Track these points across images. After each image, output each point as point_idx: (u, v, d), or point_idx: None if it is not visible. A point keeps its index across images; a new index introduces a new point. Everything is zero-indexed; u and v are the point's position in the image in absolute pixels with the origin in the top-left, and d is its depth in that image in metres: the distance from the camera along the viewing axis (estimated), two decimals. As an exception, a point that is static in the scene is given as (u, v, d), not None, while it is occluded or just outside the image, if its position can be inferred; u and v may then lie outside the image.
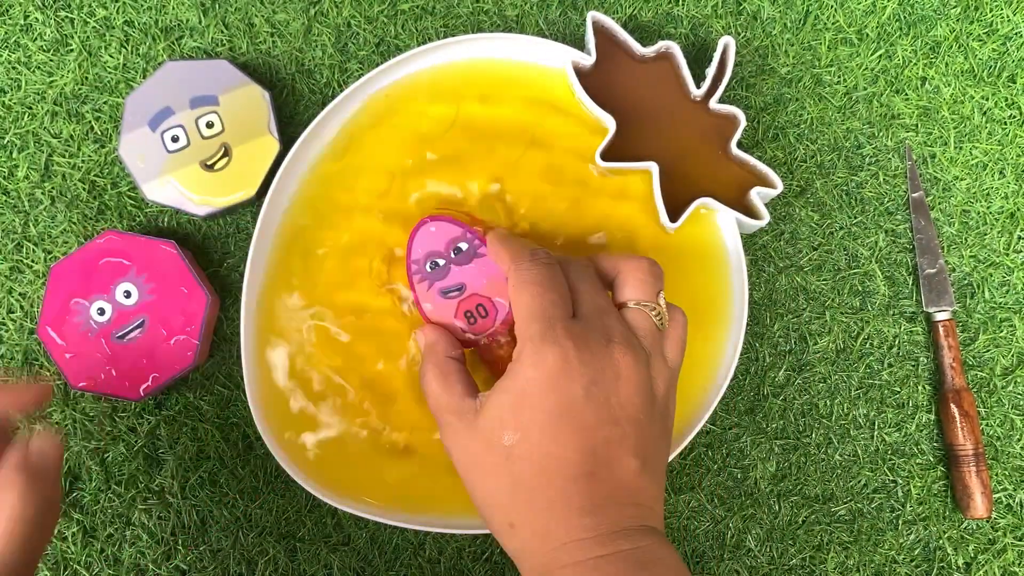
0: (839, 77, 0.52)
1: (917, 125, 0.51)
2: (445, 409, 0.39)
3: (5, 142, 0.50)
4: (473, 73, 0.49)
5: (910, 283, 0.51)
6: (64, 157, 0.50)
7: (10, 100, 0.50)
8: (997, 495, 0.49)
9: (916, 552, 0.49)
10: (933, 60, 0.52)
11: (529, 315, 0.37)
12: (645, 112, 0.48)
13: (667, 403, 0.38)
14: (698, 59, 0.51)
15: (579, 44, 0.50)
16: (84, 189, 0.50)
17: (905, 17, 0.52)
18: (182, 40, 0.51)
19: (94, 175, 0.50)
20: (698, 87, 0.48)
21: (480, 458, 0.37)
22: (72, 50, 0.51)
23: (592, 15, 0.47)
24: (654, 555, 0.34)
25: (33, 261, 0.50)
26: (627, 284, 0.39)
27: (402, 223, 0.47)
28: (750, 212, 0.47)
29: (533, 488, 0.35)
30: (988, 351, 0.50)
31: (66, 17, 0.51)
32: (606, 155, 0.47)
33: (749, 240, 0.50)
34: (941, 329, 0.49)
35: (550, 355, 0.35)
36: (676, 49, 0.48)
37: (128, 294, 0.47)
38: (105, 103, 0.50)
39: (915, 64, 0.52)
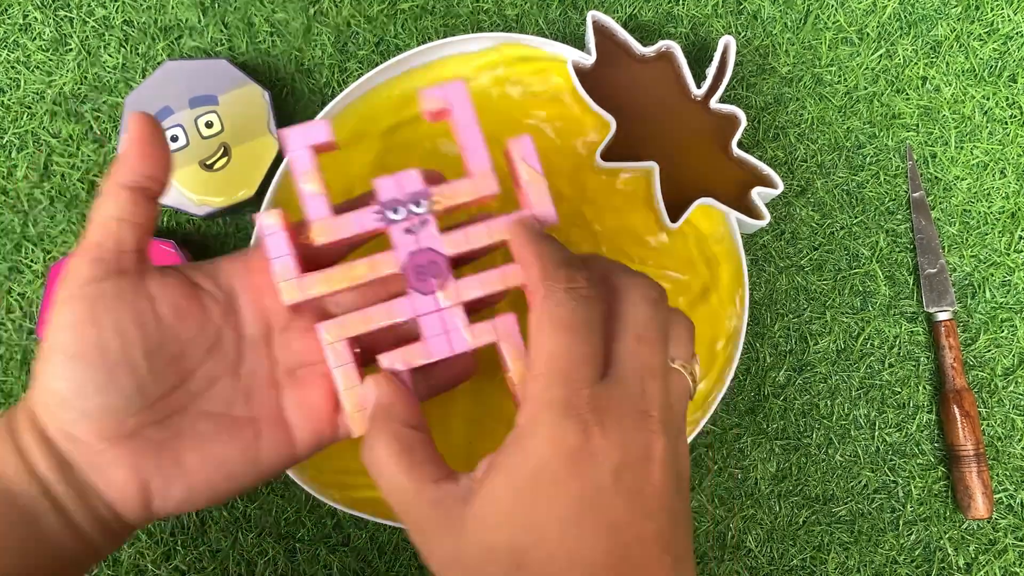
0: (840, 77, 0.51)
1: (918, 125, 0.51)
2: (415, 501, 0.29)
3: (4, 142, 0.50)
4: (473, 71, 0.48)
5: (911, 283, 0.50)
6: (63, 157, 0.50)
7: (9, 100, 0.50)
8: (998, 495, 0.49)
9: (917, 553, 0.49)
10: (934, 60, 0.52)
11: (550, 371, 0.28)
12: (645, 112, 0.48)
13: (688, 479, 0.31)
14: (698, 59, 0.51)
15: (579, 44, 0.50)
16: (83, 189, 0.50)
17: (906, 16, 0.52)
18: (181, 40, 0.51)
19: (93, 175, 0.50)
20: (698, 87, 0.48)
21: (478, 569, 0.28)
22: (71, 50, 0.51)
23: (592, 15, 0.47)
24: None
25: (32, 261, 0.49)
26: (671, 338, 0.31)
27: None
28: (750, 212, 0.47)
29: None
30: (989, 351, 0.50)
31: (65, 17, 0.51)
32: (606, 155, 0.47)
33: (749, 240, 0.50)
34: (942, 329, 0.49)
35: (571, 431, 0.27)
36: (676, 49, 0.48)
37: (127, 294, 0.47)
38: (104, 103, 0.50)
39: (916, 64, 0.52)
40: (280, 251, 0.34)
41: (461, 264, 0.37)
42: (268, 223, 0.34)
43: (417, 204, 0.34)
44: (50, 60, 0.51)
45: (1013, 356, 0.50)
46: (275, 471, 0.34)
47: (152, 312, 0.32)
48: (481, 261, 0.37)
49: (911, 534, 0.49)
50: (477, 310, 0.36)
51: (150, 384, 0.32)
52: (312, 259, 0.35)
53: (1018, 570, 0.49)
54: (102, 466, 0.31)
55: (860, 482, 0.49)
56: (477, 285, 0.34)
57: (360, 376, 0.34)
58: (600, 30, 0.48)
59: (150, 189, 0.33)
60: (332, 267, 0.34)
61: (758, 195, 0.47)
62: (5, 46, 0.51)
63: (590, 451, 0.28)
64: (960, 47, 0.52)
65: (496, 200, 0.35)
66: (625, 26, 0.51)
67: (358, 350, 0.35)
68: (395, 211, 0.34)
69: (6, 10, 0.51)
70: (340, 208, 0.35)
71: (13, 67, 0.51)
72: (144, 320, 0.32)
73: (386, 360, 0.34)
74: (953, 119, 0.51)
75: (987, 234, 0.51)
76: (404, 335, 0.36)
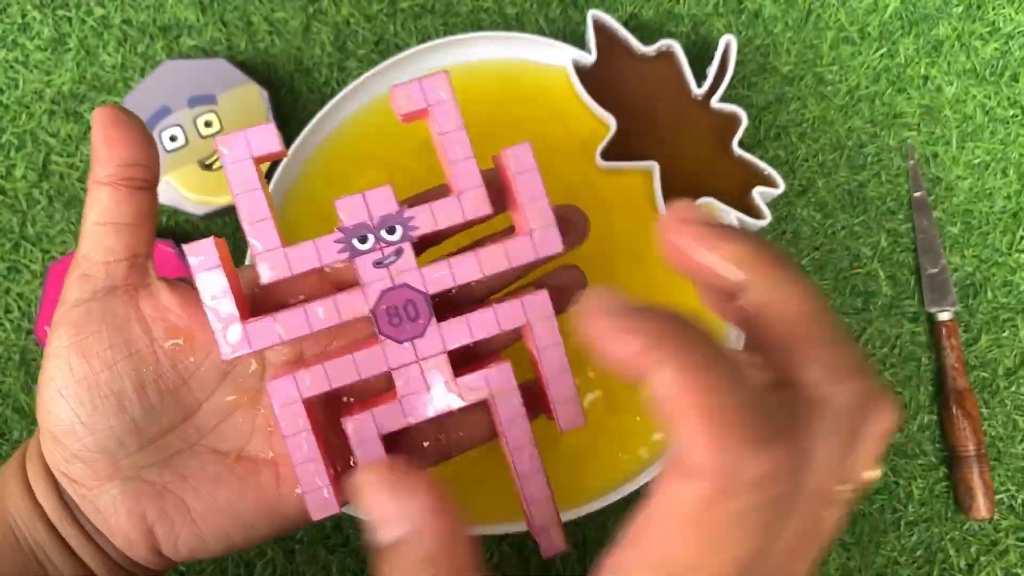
0: (841, 76, 0.51)
1: (919, 124, 0.51)
2: None
3: (3, 141, 0.50)
4: (472, 71, 0.48)
5: (912, 283, 0.50)
6: (62, 157, 0.50)
7: (8, 99, 0.50)
8: (999, 496, 0.49)
9: (918, 554, 0.49)
10: (935, 59, 0.51)
11: None
12: (646, 111, 0.48)
13: None
14: (699, 58, 0.51)
15: (579, 42, 0.50)
16: (82, 189, 0.50)
17: (907, 16, 0.52)
18: (180, 39, 0.51)
19: (92, 174, 0.50)
20: (699, 86, 0.48)
21: None
22: (70, 49, 0.50)
23: (592, 13, 0.47)
24: None
25: (30, 261, 0.49)
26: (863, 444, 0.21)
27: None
28: (752, 212, 0.46)
29: None
30: (991, 351, 0.50)
31: (64, 16, 0.51)
32: (607, 154, 0.47)
33: (750, 240, 0.50)
34: (943, 330, 0.49)
35: None
36: (677, 48, 0.47)
37: (126, 294, 0.46)
38: (103, 102, 0.50)
39: (917, 63, 0.51)
40: (215, 291, 0.27)
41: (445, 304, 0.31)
42: (196, 258, 0.28)
43: (391, 231, 0.29)
44: (49, 59, 0.50)
45: (1015, 356, 0.50)
46: (302, 522, 0.29)
47: (146, 336, 0.28)
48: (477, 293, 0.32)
49: (912, 535, 0.49)
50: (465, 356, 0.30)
51: (146, 422, 0.28)
52: (268, 299, 0.30)
53: (1020, 571, 0.49)
54: (101, 509, 0.28)
55: (861, 483, 0.49)
56: (465, 330, 0.29)
57: (322, 444, 0.29)
58: (600, 29, 0.48)
59: (133, 179, 0.28)
60: (282, 311, 0.28)
61: (759, 195, 0.47)
62: (4, 45, 0.51)
63: None
64: (962, 46, 0.52)
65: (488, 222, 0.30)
66: (626, 25, 0.51)
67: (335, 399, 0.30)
68: (362, 239, 0.29)
69: (4, 9, 0.51)
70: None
71: (12, 66, 0.50)
72: (137, 348, 0.27)
73: (351, 425, 0.28)
74: (955, 119, 0.51)
75: (989, 234, 0.51)
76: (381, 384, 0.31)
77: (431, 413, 0.29)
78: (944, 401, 0.49)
